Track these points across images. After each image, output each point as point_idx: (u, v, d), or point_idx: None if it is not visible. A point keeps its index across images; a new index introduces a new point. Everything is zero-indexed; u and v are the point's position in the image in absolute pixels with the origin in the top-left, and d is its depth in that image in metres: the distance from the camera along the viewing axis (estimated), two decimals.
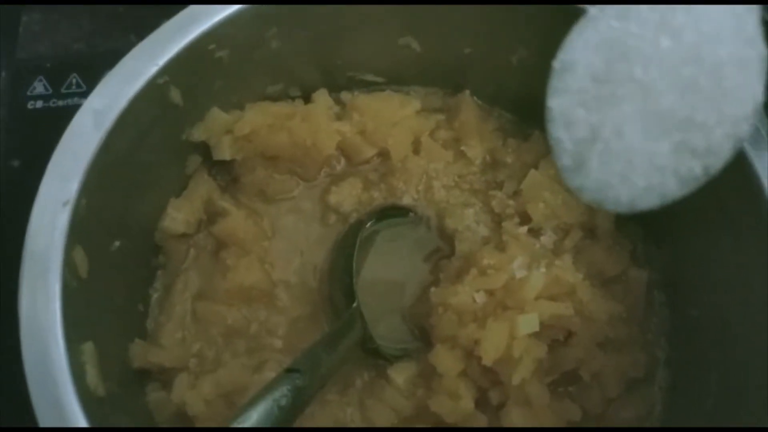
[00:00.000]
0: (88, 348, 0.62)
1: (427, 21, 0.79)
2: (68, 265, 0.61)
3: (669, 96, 0.57)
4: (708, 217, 0.72)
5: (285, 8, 0.73)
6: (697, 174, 0.59)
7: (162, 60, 0.67)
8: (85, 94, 0.92)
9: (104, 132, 0.64)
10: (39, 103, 0.93)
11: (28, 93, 0.94)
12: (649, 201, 0.61)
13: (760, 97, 0.57)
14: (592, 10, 0.59)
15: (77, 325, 0.60)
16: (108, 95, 0.66)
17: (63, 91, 0.94)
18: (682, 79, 0.57)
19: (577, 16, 0.69)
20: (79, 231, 0.62)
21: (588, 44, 0.59)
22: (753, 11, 0.56)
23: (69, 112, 0.90)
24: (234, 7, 0.70)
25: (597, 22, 0.59)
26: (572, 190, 0.62)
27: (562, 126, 0.61)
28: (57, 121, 0.89)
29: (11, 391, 0.74)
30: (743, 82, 0.56)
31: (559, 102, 0.60)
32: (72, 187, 0.62)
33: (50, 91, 0.94)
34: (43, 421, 0.56)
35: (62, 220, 0.61)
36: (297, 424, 0.64)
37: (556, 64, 0.60)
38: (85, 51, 0.99)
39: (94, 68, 0.93)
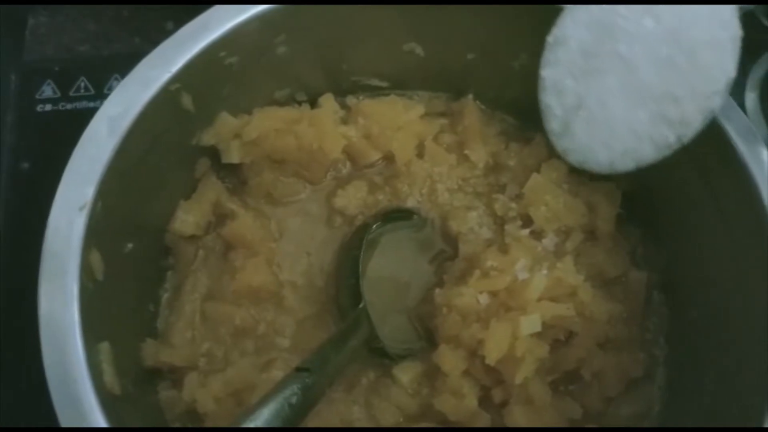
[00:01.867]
0: (104, 348, 0.63)
1: (431, 27, 0.80)
2: (85, 267, 0.62)
3: (648, 71, 0.63)
4: (706, 219, 0.74)
5: (292, 15, 0.74)
6: (671, 141, 0.66)
7: (174, 67, 0.68)
8: (93, 98, 0.94)
9: (119, 138, 0.65)
10: (48, 106, 0.94)
11: (37, 96, 0.94)
12: (626, 164, 0.68)
13: (731, 73, 0.63)
14: None
15: (93, 325, 0.61)
16: (122, 102, 0.67)
17: (71, 94, 0.95)
18: (661, 57, 0.63)
19: None
20: (95, 234, 0.63)
21: (580, 21, 0.65)
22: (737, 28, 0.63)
23: (77, 115, 0.93)
24: (244, 15, 0.71)
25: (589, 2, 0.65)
26: (558, 152, 0.70)
27: (552, 94, 0.68)
28: (66, 123, 0.92)
29: (30, 390, 0.77)
30: (716, 61, 0.63)
31: (550, 72, 0.67)
32: (88, 191, 0.63)
33: (59, 94, 0.95)
34: (64, 419, 0.57)
35: (79, 224, 0.62)
36: (305, 422, 0.65)
37: (550, 38, 0.66)
38: (92, 53, 0.99)
39: (101, 71, 0.96)
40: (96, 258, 0.64)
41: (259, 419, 0.59)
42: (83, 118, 0.67)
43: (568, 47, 0.66)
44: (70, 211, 0.63)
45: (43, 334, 0.59)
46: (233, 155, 0.79)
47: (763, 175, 0.67)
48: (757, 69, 0.99)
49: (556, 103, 0.68)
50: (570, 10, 0.66)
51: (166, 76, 0.68)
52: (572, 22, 0.66)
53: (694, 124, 0.65)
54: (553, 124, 0.69)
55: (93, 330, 0.61)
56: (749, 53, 0.98)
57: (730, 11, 0.63)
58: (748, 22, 0.96)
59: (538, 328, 0.70)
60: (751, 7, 0.95)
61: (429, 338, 0.77)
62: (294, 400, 0.61)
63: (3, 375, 0.79)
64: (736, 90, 0.95)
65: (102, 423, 0.58)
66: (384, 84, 0.88)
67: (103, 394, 0.60)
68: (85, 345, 0.60)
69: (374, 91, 0.88)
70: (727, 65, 0.64)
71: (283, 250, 0.80)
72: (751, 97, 0.97)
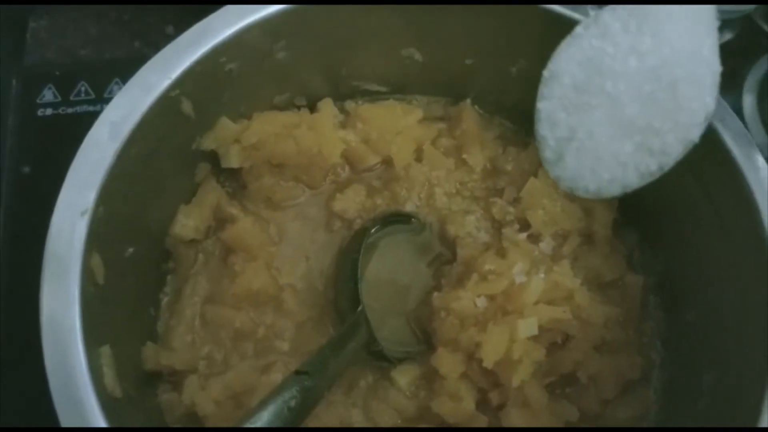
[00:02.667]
0: (105, 351, 0.64)
1: (430, 32, 0.81)
2: (86, 271, 0.63)
3: (632, 106, 0.67)
4: (702, 224, 0.75)
5: (292, 21, 0.74)
6: (653, 170, 0.70)
7: (175, 73, 0.69)
8: (93, 102, 0.95)
9: (120, 143, 0.66)
10: (49, 111, 0.94)
11: (38, 101, 0.95)
12: (612, 191, 0.71)
13: (711, 107, 0.67)
14: (578, 28, 0.69)
15: (94, 329, 0.62)
16: (123, 108, 0.67)
17: (72, 98, 0.95)
18: (644, 93, 0.67)
19: (572, 29, 0.72)
20: (97, 239, 0.64)
21: (572, 59, 0.69)
22: (710, 36, 0.66)
23: (78, 119, 0.94)
24: (244, 21, 0.72)
25: (581, 40, 0.68)
26: (552, 178, 0.73)
27: (546, 126, 0.71)
28: (67, 127, 0.93)
29: (32, 393, 0.77)
30: (696, 96, 0.66)
31: (545, 105, 0.71)
32: (90, 196, 0.64)
33: (59, 98, 0.95)
34: (65, 422, 0.57)
35: (81, 228, 0.63)
36: (304, 424, 0.66)
37: (546, 73, 0.70)
38: (92, 57, 1.00)
39: (101, 76, 0.96)
40: (97, 262, 0.65)
41: (259, 421, 0.60)
42: (84, 122, 0.67)
43: (561, 82, 0.70)
44: (72, 216, 0.63)
45: (44, 338, 0.60)
46: (233, 160, 0.79)
47: (758, 179, 0.68)
48: (754, 72, 0.99)
49: (550, 134, 0.71)
50: (564, 47, 0.69)
51: (166, 82, 0.69)
52: (565, 58, 0.69)
53: (674, 153, 0.69)
54: (547, 153, 0.72)
55: (94, 333, 0.62)
56: (746, 56, 0.99)
57: (710, 48, 0.66)
58: (745, 25, 0.97)
59: (535, 332, 0.71)
60: (749, 9, 0.96)
61: (427, 341, 0.77)
62: (293, 402, 0.62)
63: (4, 377, 0.80)
64: (733, 93, 0.96)
65: (103, 426, 0.58)
66: (383, 89, 0.88)
67: (104, 397, 0.60)
68: (87, 348, 0.60)
69: (373, 96, 0.88)
70: (707, 99, 0.67)
71: (282, 254, 0.81)
72: (748, 100, 0.98)
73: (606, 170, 0.70)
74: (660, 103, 0.66)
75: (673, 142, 0.68)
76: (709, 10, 0.66)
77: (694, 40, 0.66)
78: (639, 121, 0.67)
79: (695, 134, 0.68)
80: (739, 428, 0.64)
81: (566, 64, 0.69)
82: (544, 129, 0.71)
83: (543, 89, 0.71)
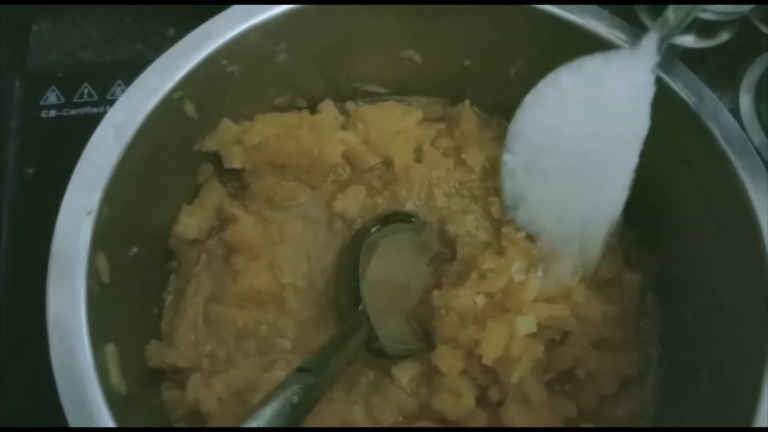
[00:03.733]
0: (110, 349, 0.64)
1: (429, 34, 0.82)
2: (92, 271, 0.63)
3: (580, 168, 0.72)
4: (699, 224, 0.75)
5: (293, 24, 0.75)
6: (599, 222, 0.75)
7: (178, 76, 0.70)
8: (96, 104, 0.95)
9: (124, 144, 0.67)
10: (52, 112, 0.95)
11: (41, 102, 0.95)
12: (572, 246, 0.75)
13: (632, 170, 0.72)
14: (541, 84, 0.72)
15: (100, 327, 0.62)
16: (127, 110, 0.68)
17: (75, 100, 0.96)
18: (590, 157, 0.71)
19: (569, 31, 0.73)
20: (102, 238, 0.65)
21: (533, 121, 0.73)
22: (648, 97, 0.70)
23: (81, 121, 0.94)
24: (245, 24, 0.72)
25: (542, 98, 0.72)
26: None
27: (508, 177, 0.75)
28: (70, 129, 0.93)
29: (32, 393, 0.78)
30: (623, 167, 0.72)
31: (509, 158, 0.75)
32: (95, 196, 0.64)
33: (63, 100, 0.96)
34: (72, 419, 0.58)
35: (86, 228, 0.64)
36: (306, 423, 0.67)
37: (510, 128, 0.74)
38: (95, 60, 1.01)
39: (104, 78, 0.97)
40: (102, 261, 0.65)
41: (262, 418, 0.60)
42: (87, 123, 0.68)
43: (522, 140, 0.74)
44: (78, 216, 0.64)
45: (51, 336, 0.60)
46: (235, 161, 0.80)
47: (754, 179, 0.69)
48: (751, 72, 1.00)
49: (510, 184, 0.75)
50: (528, 103, 0.73)
51: (169, 84, 0.70)
52: (527, 119, 0.73)
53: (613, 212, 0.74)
54: (508, 200, 0.76)
55: (100, 331, 0.62)
56: (743, 56, 1.00)
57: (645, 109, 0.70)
58: (742, 25, 0.98)
59: (534, 329, 0.72)
60: (746, 9, 0.97)
61: (427, 339, 0.78)
62: (295, 399, 0.62)
63: (9, 377, 0.80)
64: (730, 93, 0.97)
65: (109, 422, 0.59)
66: (382, 90, 0.89)
67: (110, 394, 0.61)
68: (93, 346, 0.61)
69: (373, 97, 0.89)
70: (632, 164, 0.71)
71: (284, 254, 0.81)
72: (745, 100, 0.98)
73: (563, 225, 0.75)
74: (598, 170, 0.72)
75: (600, 219, 0.74)
76: (651, 76, 0.70)
77: (633, 103, 0.70)
78: (585, 181, 0.73)
79: (617, 213, 0.75)
80: (740, 428, 0.64)
81: (528, 125, 0.73)
82: (505, 180, 0.75)
83: (508, 143, 0.74)
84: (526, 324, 0.72)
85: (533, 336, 0.72)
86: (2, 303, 0.84)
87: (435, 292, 0.77)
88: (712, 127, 0.71)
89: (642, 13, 0.99)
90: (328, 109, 0.84)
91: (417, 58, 0.85)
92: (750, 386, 0.64)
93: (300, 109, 0.85)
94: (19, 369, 0.81)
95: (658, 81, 0.71)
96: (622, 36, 0.75)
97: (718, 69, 1.00)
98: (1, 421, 0.78)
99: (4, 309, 0.84)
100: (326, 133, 0.82)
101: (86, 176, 0.65)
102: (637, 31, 0.75)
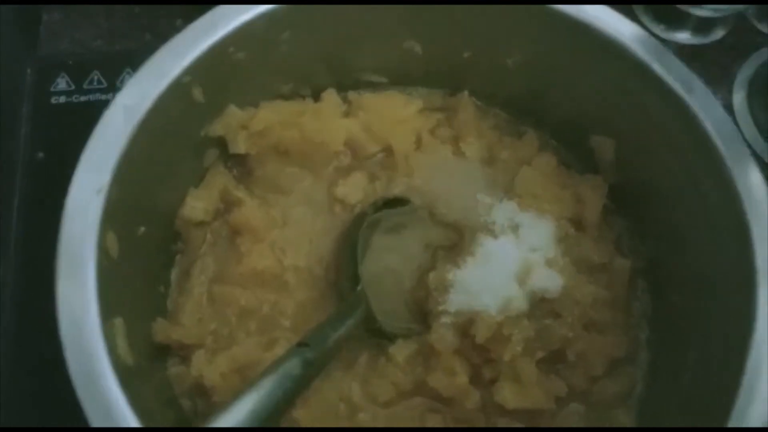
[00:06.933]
0: (118, 322, 0.66)
1: (430, 26, 0.83)
2: (101, 247, 0.65)
3: None
4: (688, 212, 0.77)
5: (297, 14, 0.77)
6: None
7: (186, 61, 0.71)
8: (105, 90, 0.96)
9: (133, 126, 0.68)
10: (62, 98, 0.96)
11: (52, 89, 0.97)
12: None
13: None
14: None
15: (108, 302, 0.64)
16: (137, 92, 0.69)
17: (85, 87, 0.97)
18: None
19: (566, 24, 0.75)
20: (111, 217, 0.66)
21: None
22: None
23: (91, 107, 0.95)
24: (251, 13, 0.74)
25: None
26: None
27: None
28: (79, 115, 0.94)
29: (32, 393, 0.80)
30: None
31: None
32: (105, 176, 0.66)
33: (73, 87, 0.97)
34: (81, 390, 0.59)
35: (96, 206, 0.65)
36: (305, 403, 0.70)
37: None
38: (104, 49, 1.02)
39: (113, 66, 0.98)
40: (111, 239, 0.67)
41: (263, 389, 0.62)
42: (96, 109, 0.69)
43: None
44: (88, 194, 0.65)
45: (60, 310, 0.61)
46: (240, 146, 0.81)
47: (741, 168, 0.70)
48: (745, 69, 1.02)
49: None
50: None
51: (178, 69, 0.71)
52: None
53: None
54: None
55: (108, 306, 0.63)
56: (738, 53, 1.01)
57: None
58: (737, 22, 0.99)
59: (525, 309, 0.75)
60: (742, 7, 0.99)
61: (423, 320, 0.79)
62: (295, 371, 0.64)
63: (5, 377, 0.81)
64: (724, 89, 0.99)
65: (117, 394, 0.60)
66: (384, 80, 0.90)
67: (118, 365, 0.62)
68: (101, 319, 0.62)
69: (375, 87, 0.90)
70: None
71: (286, 237, 0.82)
72: (738, 96, 1.00)
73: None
74: None
75: None
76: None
77: None
78: None
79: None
80: (739, 428, 0.65)
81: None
82: None
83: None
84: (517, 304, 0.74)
85: (525, 315, 0.74)
86: (14, 285, 0.86)
87: (431, 274, 0.78)
88: (702, 116, 0.72)
89: (642, 13, 1.01)
90: (330, 97, 0.86)
91: (418, 49, 0.86)
92: (733, 366, 0.66)
93: (304, 97, 0.87)
94: (16, 369, 0.82)
95: (649, 72, 0.73)
96: (620, 30, 0.76)
97: (712, 65, 1.01)
98: (8, 421, 0.79)
99: (17, 291, 0.85)
100: (329, 121, 0.83)
101: (97, 155, 0.67)
102: (633, 23, 0.77)
